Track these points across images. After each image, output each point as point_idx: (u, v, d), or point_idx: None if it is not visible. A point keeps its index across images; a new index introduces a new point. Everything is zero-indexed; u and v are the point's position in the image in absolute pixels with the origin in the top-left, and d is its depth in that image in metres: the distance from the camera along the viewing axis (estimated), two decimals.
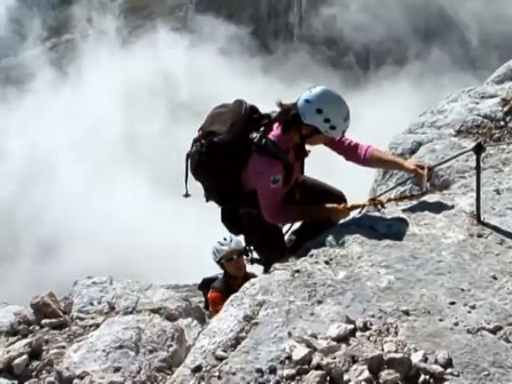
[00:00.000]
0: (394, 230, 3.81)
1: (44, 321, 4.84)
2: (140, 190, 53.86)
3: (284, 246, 4.72)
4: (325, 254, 3.69)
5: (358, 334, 2.96)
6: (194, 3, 70.10)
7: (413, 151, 5.72)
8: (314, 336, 2.96)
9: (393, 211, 4.08)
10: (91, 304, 5.04)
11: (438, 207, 4.02)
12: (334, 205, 4.30)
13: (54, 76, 70.67)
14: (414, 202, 4.18)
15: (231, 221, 4.64)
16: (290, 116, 4.22)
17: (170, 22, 71.64)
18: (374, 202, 4.29)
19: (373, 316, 3.10)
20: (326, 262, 3.59)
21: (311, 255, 3.71)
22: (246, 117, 4.34)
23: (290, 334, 3.01)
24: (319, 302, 3.23)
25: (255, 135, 4.25)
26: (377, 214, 4.07)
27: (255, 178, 4.28)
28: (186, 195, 4.59)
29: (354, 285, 3.35)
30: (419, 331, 2.98)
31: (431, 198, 4.21)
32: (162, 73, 66.49)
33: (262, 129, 4.28)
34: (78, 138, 61.08)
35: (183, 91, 64.84)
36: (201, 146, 4.36)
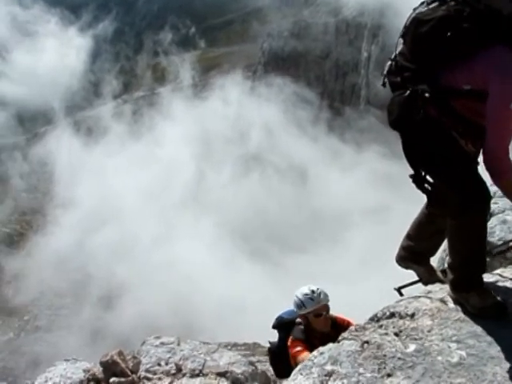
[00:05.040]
0: None
1: (112, 379, 4.92)
2: (204, 239, 54.24)
3: (479, 182, 3.39)
4: (394, 325, 3.66)
5: None
6: (262, 64, 71.97)
7: None
8: None
9: None
10: (159, 364, 5.10)
11: None
12: None
13: (128, 127, 73.29)
14: (490, 275, 4.10)
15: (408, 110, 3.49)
16: None
17: (241, 79, 73.92)
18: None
19: None
20: (396, 334, 3.56)
21: (381, 326, 3.69)
22: None
23: None
24: (389, 375, 3.20)
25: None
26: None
27: (495, 82, 3.06)
28: None
29: (425, 359, 3.30)
30: None
31: (503, 272, 4.13)
32: (233, 126, 68.17)
33: None
34: (149, 185, 62.53)
35: (253, 143, 66.18)
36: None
